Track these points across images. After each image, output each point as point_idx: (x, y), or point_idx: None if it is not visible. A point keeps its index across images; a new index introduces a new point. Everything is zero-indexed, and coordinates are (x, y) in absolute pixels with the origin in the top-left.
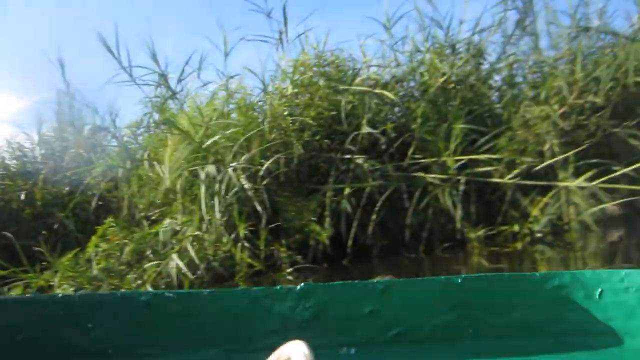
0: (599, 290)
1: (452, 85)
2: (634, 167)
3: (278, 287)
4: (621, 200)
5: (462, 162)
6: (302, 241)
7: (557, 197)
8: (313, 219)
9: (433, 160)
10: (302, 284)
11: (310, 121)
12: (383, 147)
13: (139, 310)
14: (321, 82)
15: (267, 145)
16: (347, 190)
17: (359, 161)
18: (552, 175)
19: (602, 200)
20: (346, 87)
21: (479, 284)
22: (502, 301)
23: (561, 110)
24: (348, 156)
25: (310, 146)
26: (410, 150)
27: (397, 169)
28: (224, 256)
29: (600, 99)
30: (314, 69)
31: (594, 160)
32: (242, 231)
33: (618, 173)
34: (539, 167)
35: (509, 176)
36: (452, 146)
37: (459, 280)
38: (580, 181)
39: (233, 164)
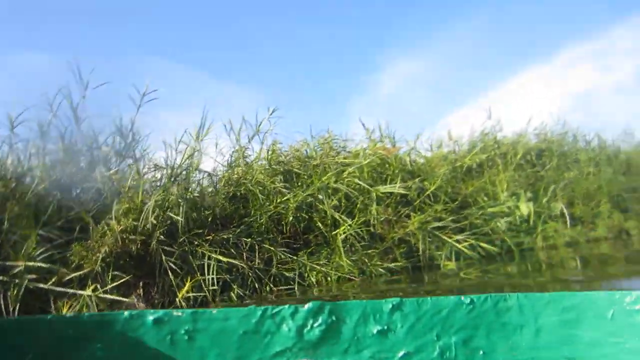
0: (611, 311)
1: None
2: None
3: (287, 305)
4: None
5: None
6: None
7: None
8: None
9: None
10: (311, 303)
11: None
12: None
13: (147, 329)
14: None
15: None
16: None
17: None
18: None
19: None
20: None
21: (488, 304)
22: (512, 321)
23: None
24: None
25: None
26: None
27: None
28: None
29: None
30: None
31: None
32: None
33: None
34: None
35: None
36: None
37: (469, 300)
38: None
39: None
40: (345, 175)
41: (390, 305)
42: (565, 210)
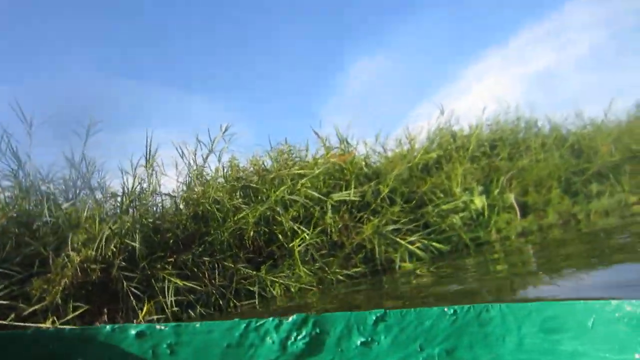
0: (591, 320)
1: None
2: None
3: (270, 318)
4: None
5: None
6: None
7: None
8: None
9: None
10: (295, 315)
11: None
12: None
13: (129, 343)
14: None
15: None
16: None
17: None
18: None
19: None
20: None
21: (471, 314)
22: (495, 332)
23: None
24: None
25: None
26: None
27: None
28: None
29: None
30: None
31: None
32: None
33: None
34: None
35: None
36: None
37: (451, 311)
38: None
39: None
40: (299, 187)
41: (374, 317)
42: (514, 202)
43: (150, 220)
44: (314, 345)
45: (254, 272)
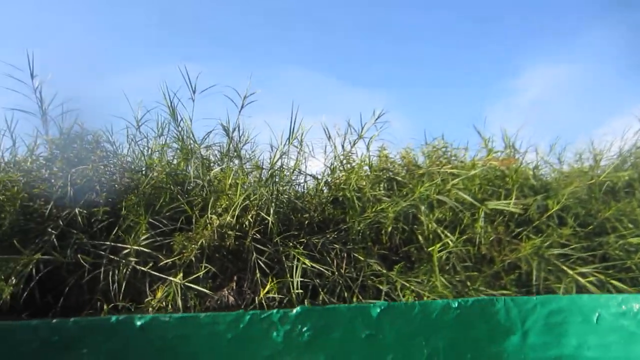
0: (597, 314)
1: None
2: None
3: (274, 310)
4: None
5: None
6: None
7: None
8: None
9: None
10: (299, 308)
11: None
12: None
13: (134, 334)
14: None
15: None
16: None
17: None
18: None
19: None
20: None
21: (475, 308)
22: (499, 325)
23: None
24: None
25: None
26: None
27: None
28: None
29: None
30: None
31: None
32: None
33: None
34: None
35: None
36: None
37: (456, 304)
38: None
39: None
40: (449, 187)
41: (379, 310)
42: None
43: (288, 197)
44: (318, 337)
45: (385, 271)
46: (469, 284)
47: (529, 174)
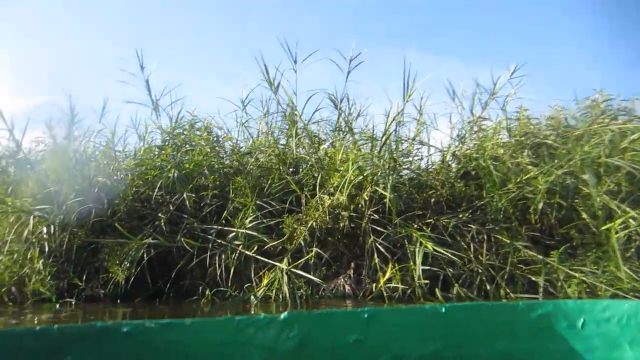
0: (582, 320)
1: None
2: None
3: (261, 315)
4: None
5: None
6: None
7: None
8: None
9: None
10: (286, 313)
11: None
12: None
13: (119, 341)
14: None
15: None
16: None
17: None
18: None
19: None
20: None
21: (463, 312)
22: (486, 330)
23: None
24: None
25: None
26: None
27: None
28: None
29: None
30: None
31: None
32: (37, 264)
33: None
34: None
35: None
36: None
37: (443, 309)
38: None
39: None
40: (623, 147)
41: (366, 315)
42: None
43: (410, 171)
44: (306, 343)
45: (541, 257)
46: None
47: None
